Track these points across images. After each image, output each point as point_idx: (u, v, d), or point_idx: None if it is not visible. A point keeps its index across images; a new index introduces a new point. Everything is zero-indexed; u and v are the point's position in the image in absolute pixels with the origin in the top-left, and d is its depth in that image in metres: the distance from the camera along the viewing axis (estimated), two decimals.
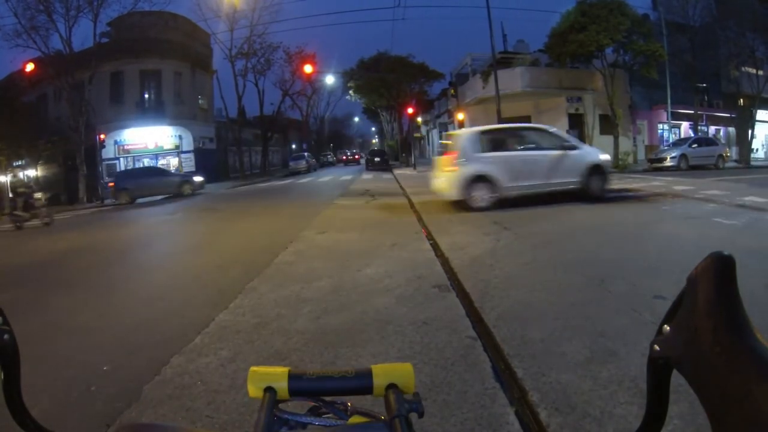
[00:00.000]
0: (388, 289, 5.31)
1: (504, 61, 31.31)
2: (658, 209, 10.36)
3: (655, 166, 25.87)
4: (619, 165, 26.78)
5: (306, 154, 48.39)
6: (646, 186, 15.50)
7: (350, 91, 51.61)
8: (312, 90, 58.37)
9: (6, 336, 0.71)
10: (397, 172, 33.84)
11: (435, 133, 54.51)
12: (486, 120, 33.19)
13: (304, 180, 32.30)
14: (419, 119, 48.52)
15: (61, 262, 8.99)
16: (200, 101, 40.08)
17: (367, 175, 32.45)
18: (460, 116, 31.53)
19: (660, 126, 38.13)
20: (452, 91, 33.27)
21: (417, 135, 50.75)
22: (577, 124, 30.64)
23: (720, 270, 0.48)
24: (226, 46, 41.00)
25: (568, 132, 27.49)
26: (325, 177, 33.96)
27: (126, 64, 34.54)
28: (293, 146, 66.57)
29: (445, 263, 6.33)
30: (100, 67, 31.69)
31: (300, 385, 0.77)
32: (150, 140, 36.17)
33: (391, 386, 0.76)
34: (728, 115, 41.40)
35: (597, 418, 2.60)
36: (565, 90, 30.73)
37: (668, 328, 0.54)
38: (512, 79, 28.67)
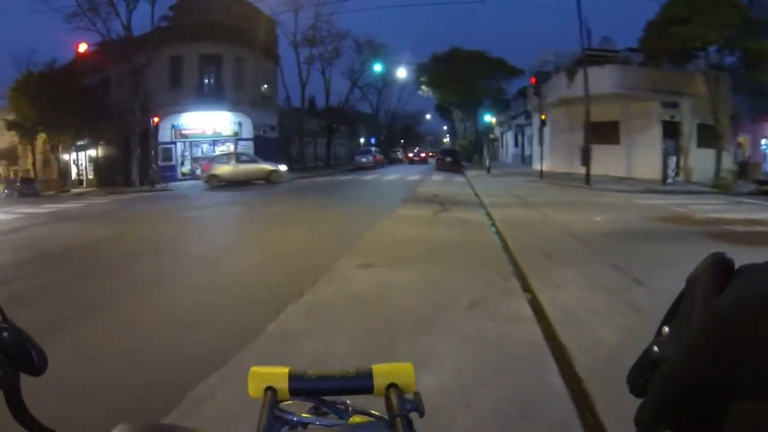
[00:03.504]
0: None
1: (591, 59, 28.07)
2: None
3: (763, 189, 22.16)
4: (720, 184, 23.20)
5: (373, 149, 46.17)
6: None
7: (422, 86, 48.47)
8: (383, 83, 56.14)
9: (5, 334, 0.69)
10: (469, 174, 31.16)
11: (510, 135, 51.44)
12: (569, 124, 30.18)
13: (368, 177, 29.96)
14: (494, 119, 45.19)
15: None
16: (263, 88, 38.49)
17: (437, 176, 29.85)
18: (542, 116, 27.86)
19: (763, 141, 34.00)
20: (533, 85, 29.27)
21: (491, 136, 47.40)
22: (672, 133, 26.94)
23: (719, 271, 0.48)
24: (290, 31, 39.22)
25: (664, 143, 24.39)
26: (391, 175, 31.51)
27: (185, 47, 33.47)
28: (361, 140, 64.45)
29: (564, 359, 3.65)
30: (159, 50, 31.13)
31: (301, 385, 0.77)
32: (208, 126, 34.86)
33: (392, 386, 0.75)
34: None
35: None
36: (659, 93, 27.12)
37: (667, 329, 0.54)
38: (601, 79, 25.28)
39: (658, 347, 0.53)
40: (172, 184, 29.93)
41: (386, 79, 53.54)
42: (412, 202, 14.91)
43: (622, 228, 9.95)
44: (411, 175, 31.37)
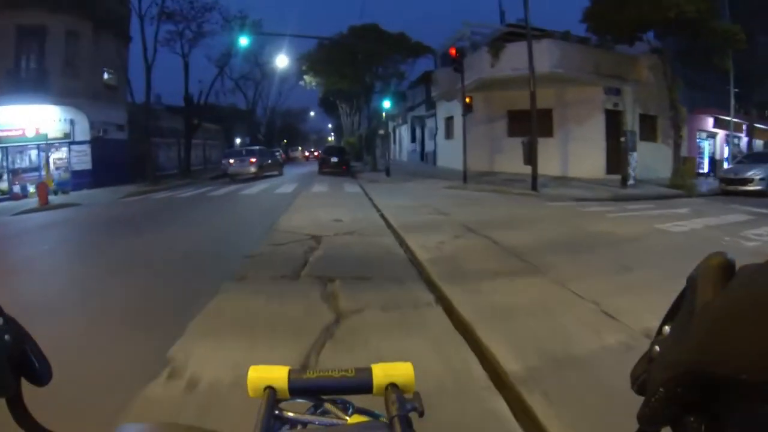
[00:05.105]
0: None
1: (514, 36, 22.63)
2: None
3: (729, 189, 17.92)
4: (681, 184, 18.65)
5: (245, 150, 36.62)
6: None
7: (305, 76, 40.11)
8: (261, 74, 48.73)
9: (6, 336, 0.67)
10: (363, 179, 24.56)
11: (405, 129, 45.58)
12: (487, 113, 24.69)
13: (222, 191, 21.32)
14: (384, 112, 38.02)
15: None
16: (106, 76, 29.96)
17: (320, 185, 21.87)
18: (467, 99, 20.98)
19: (697, 134, 30.59)
20: (453, 57, 20.97)
21: (381, 132, 40.18)
22: (614, 123, 22.02)
23: (720, 270, 0.48)
24: None
25: (623, 138, 19.33)
26: (257, 185, 23.27)
27: None
28: (237, 140, 56.31)
29: None
30: None
31: (300, 385, 0.77)
32: (29, 124, 25.74)
33: (392, 385, 0.76)
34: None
35: None
36: (602, 78, 22.21)
37: (668, 328, 0.54)
38: (538, 56, 19.18)
39: (658, 346, 0.53)
40: None
41: (263, 69, 46.42)
42: (261, 268, 6.88)
43: None
44: (284, 183, 23.87)
